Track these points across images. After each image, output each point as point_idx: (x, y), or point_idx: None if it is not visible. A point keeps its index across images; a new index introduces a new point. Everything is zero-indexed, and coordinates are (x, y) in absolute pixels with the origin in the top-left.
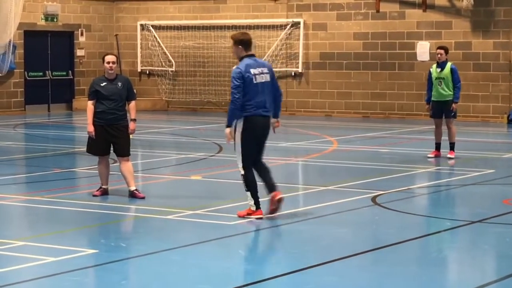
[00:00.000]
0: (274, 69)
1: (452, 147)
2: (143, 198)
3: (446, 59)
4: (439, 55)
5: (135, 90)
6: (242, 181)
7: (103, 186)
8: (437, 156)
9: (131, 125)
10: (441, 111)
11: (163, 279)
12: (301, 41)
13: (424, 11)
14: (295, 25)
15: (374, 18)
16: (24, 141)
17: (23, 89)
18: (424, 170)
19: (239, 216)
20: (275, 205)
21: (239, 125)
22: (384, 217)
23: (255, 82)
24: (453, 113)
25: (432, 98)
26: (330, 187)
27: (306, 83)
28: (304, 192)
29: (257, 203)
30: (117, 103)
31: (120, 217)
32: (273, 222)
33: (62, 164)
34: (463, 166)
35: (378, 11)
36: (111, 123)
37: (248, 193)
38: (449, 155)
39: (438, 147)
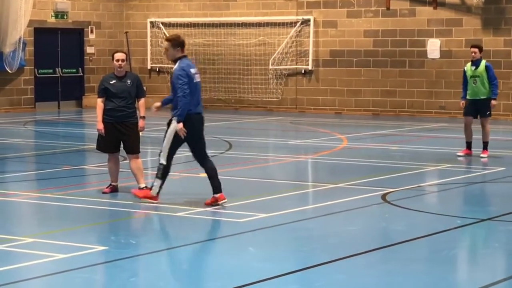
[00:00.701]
0: (284, 67)
1: (485, 146)
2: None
3: (481, 57)
4: (473, 54)
5: (144, 88)
6: (158, 170)
7: (113, 183)
8: (468, 154)
9: (141, 123)
10: (476, 110)
11: (173, 276)
12: (311, 39)
13: (435, 8)
14: (305, 22)
15: (385, 16)
16: (34, 138)
17: (33, 86)
18: (434, 168)
19: (136, 195)
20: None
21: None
22: (394, 215)
23: (194, 81)
24: (488, 112)
25: (467, 97)
26: (340, 185)
27: (316, 81)
28: (313, 190)
29: (160, 189)
30: (127, 101)
31: (130, 214)
32: (283, 220)
33: (72, 161)
34: (473, 164)
35: (388, 8)
36: (120, 121)
37: (160, 181)
38: (482, 155)
39: (469, 146)
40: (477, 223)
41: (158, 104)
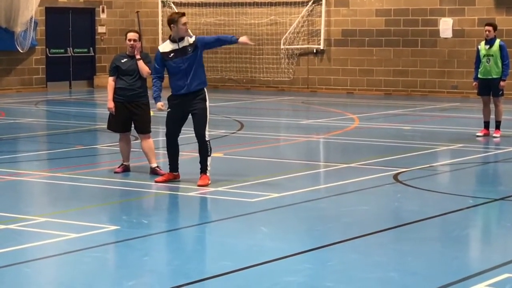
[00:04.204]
0: (296, 46)
1: (498, 125)
2: (162, 174)
3: (495, 36)
4: (487, 32)
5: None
6: (208, 148)
7: (124, 163)
8: (486, 134)
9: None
10: (489, 88)
11: (185, 255)
12: (323, 18)
13: None
14: (317, 1)
15: None
16: (46, 118)
17: (44, 66)
18: (446, 147)
19: (205, 185)
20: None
21: (206, 93)
22: (406, 195)
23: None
24: (501, 91)
25: (479, 76)
26: (351, 165)
27: (328, 60)
28: (325, 170)
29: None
30: (136, 79)
31: (141, 194)
32: (295, 199)
33: (83, 141)
34: (485, 144)
35: None
36: (131, 100)
37: (210, 158)
38: (494, 134)
39: (487, 125)
40: (489, 203)
41: (161, 103)
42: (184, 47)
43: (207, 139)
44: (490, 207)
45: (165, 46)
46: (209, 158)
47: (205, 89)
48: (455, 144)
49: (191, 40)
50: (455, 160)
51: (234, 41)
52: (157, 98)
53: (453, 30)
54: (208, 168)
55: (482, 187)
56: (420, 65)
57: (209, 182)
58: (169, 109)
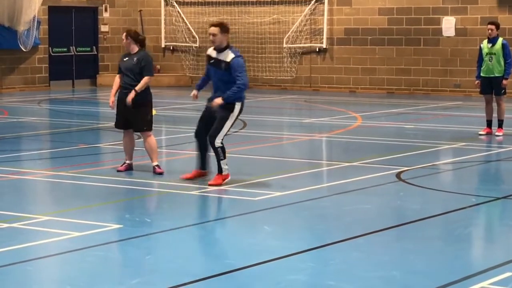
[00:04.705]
0: (298, 45)
1: (500, 124)
2: (161, 173)
3: (497, 34)
4: (489, 31)
5: (158, 66)
6: (219, 153)
7: (127, 161)
8: (489, 133)
9: (131, 93)
10: (491, 87)
11: (188, 254)
12: (326, 17)
13: None
14: (320, 0)
15: None
16: (48, 116)
17: (47, 65)
18: (449, 146)
19: (216, 184)
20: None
21: (237, 108)
22: (409, 193)
23: None
24: (503, 90)
25: (482, 74)
26: (354, 163)
27: (331, 59)
28: (328, 168)
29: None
30: (130, 78)
31: (144, 193)
32: (298, 198)
33: (86, 140)
34: (488, 142)
35: None
36: (126, 98)
37: (225, 161)
38: (497, 133)
39: (489, 124)
40: (492, 201)
41: (195, 92)
42: (219, 61)
43: (217, 145)
44: (492, 205)
45: (211, 51)
46: (224, 161)
47: (237, 104)
48: (457, 142)
49: (229, 58)
50: (457, 158)
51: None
52: (195, 87)
53: (455, 28)
54: (224, 168)
55: (485, 186)
56: (423, 64)
57: (222, 182)
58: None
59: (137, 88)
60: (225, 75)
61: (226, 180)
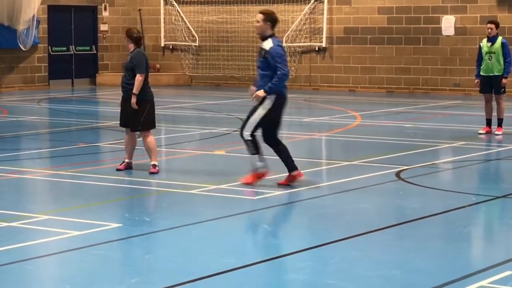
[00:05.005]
0: (298, 44)
1: (500, 123)
2: (155, 173)
3: (497, 33)
4: (489, 30)
5: (158, 65)
6: (248, 146)
7: (127, 160)
8: (489, 132)
9: (132, 99)
10: (491, 86)
11: (187, 253)
12: (325, 16)
13: None
14: None
15: None
16: (48, 115)
17: (47, 64)
18: (448, 145)
19: (248, 183)
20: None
21: (270, 99)
22: (408, 192)
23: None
24: (503, 89)
25: (481, 73)
26: (354, 162)
27: (330, 58)
28: (327, 167)
29: (265, 165)
30: (126, 76)
31: (144, 192)
32: (297, 197)
33: (86, 139)
34: (488, 141)
35: None
36: (126, 96)
37: (256, 156)
38: (496, 132)
39: (489, 123)
40: (492, 200)
41: (258, 93)
42: (261, 49)
43: (246, 137)
44: (492, 204)
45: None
46: (255, 157)
47: (272, 97)
48: (457, 141)
49: (268, 46)
50: (457, 157)
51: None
52: (253, 83)
53: (455, 27)
54: (256, 164)
55: (484, 185)
56: (422, 63)
57: (253, 181)
58: None
59: (134, 90)
60: (263, 63)
61: (260, 179)
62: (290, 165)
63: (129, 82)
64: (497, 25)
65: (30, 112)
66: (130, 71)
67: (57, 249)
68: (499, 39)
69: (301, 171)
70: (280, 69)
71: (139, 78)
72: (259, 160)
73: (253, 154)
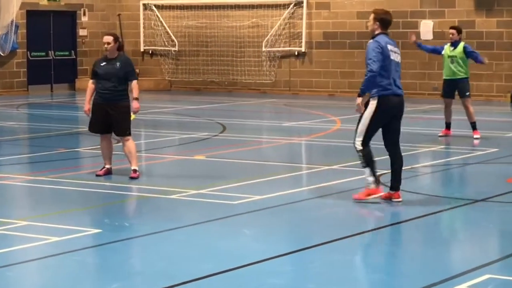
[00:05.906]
0: (277, 49)
1: (474, 126)
2: (135, 178)
3: (459, 38)
4: (451, 35)
5: (137, 70)
6: (360, 158)
7: (106, 166)
8: (447, 135)
9: (134, 104)
10: (454, 90)
11: (167, 258)
12: (304, 20)
13: None
14: (298, 4)
15: None
16: (27, 121)
17: (25, 69)
18: (427, 149)
19: (358, 199)
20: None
21: (372, 103)
22: None
23: (391, 58)
24: (468, 92)
25: (444, 77)
26: (333, 167)
27: (309, 63)
28: (307, 172)
29: (377, 181)
30: (114, 83)
31: (123, 197)
32: (277, 201)
33: (65, 144)
34: (466, 145)
35: None
36: (110, 102)
37: (367, 170)
38: (474, 136)
39: (448, 126)
40: (471, 204)
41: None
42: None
43: (357, 147)
44: (471, 208)
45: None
46: (367, 170)
47: (372, 100)
48: (436, 145)
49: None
50: (436, 161)
51: None
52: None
53: (433, 32)
54: (366, 182)
55: (463, 189)
56: (401, 67)
57: (365, 197)
58: None
59: (135, 95)
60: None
61: (372, 196)
62: (392, 182)
63: (116, 89)
64: (458, 31)
65: (9, 118)
66: (119, 77)
67: (37, 255)
68: (461, 44)
69: (399, 193)
70: (368, 65)
71: (136, 84)
72: (370, 174)
73: (364, 167)
